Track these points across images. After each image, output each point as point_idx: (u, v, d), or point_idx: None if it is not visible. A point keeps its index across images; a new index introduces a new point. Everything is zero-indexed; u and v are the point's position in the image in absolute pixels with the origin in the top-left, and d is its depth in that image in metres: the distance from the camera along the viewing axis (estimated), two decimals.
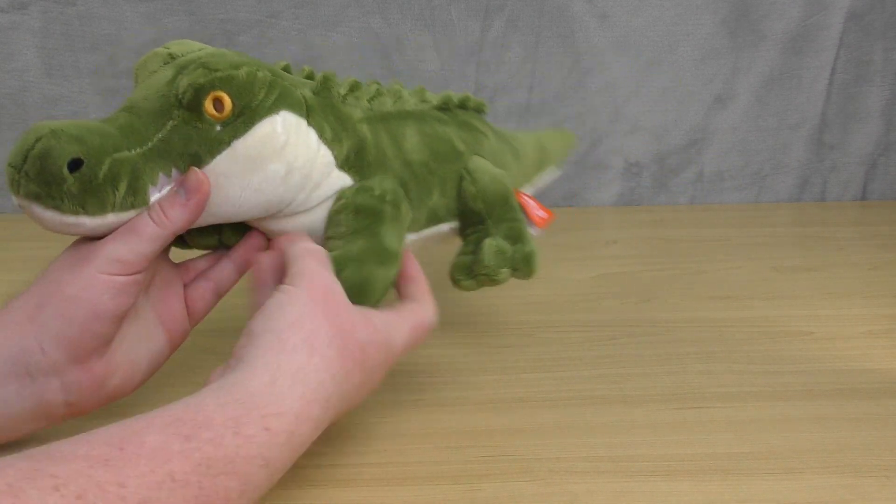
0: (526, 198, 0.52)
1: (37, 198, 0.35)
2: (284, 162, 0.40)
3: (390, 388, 0.48)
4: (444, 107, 0.51)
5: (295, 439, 0.32)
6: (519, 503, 0.38)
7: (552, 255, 0.73)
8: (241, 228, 0.45)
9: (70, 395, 0.37)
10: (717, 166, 0.91)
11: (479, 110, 0.55)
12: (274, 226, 0.43)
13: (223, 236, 0.45)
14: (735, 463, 0.41)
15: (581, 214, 0.88)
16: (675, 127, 0.89)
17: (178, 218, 0.38)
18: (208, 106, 0.37)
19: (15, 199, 0.36)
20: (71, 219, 0.35)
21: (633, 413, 0.46)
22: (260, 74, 0.39)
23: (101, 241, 0.37)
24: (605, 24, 0.85)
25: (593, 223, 0.86)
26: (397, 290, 0.44)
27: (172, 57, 0.40)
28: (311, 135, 0.41)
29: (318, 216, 0.43)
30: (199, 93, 0.37)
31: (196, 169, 0.38)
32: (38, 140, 0.34)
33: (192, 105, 0.37)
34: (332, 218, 0.43)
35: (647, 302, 0.62)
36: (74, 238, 0.38)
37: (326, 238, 0.43)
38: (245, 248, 0.45)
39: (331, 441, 0.42)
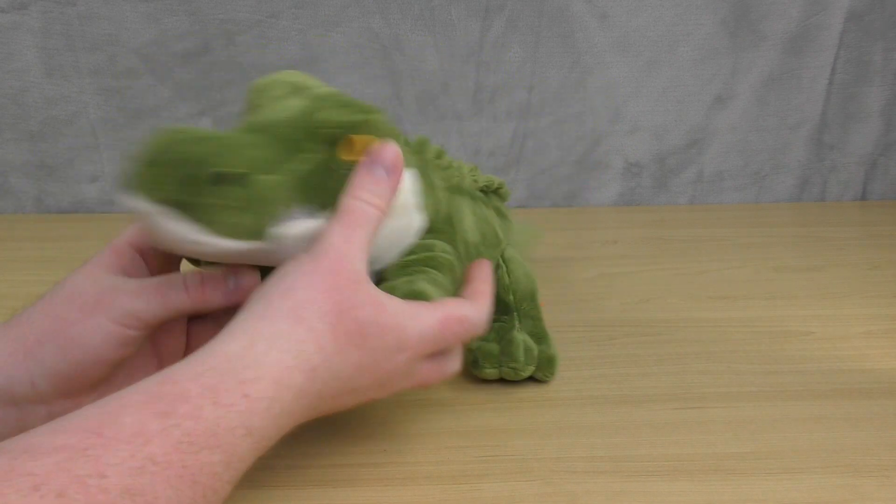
0: None
1: (178, 205, 0.31)
2: (404, 217, 0.39)
3: None
4: (485, 190, 0.53)
5: (276, 406, 0.30)
6: (519, 503, 0.38)
7: (552, 254, 0.73)
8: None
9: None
10: (716, 166, 0.91)
11: (504, 199, 0.57)
12: None
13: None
14: (735, 463, 0.41)
15: (581, 214, 0.88)
16: (675, 127, 0.89)
17: (213, 301, 0.36)
18: (346, 146, 0.35)
19: (132, 202, 0.32)
20: (203, 237, 0.32)
21: (633, 413, 0.46)
22: (396, 130, 0.38)
23: (122, 289, 0.35)
24: (605, 24, 0.85)
25: (593, 223, 0.86)
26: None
27: (297, 87, 0.37)
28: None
29: None
30: (341, 131, 0.35)
31: (257, 274, 0.37)
32: (196, 142, 0.31)
33: (331, 141, 0.35)
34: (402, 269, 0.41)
35: (647, 302, 0.63)
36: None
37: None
38: None
39: (331, 441, 0.42)
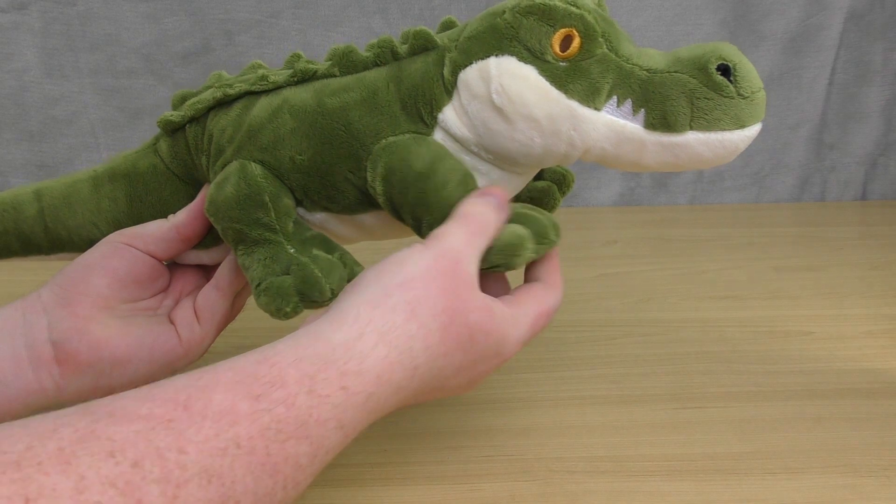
0: None
1: None
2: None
3: None
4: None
5: (372, 402, 0.29)
6: (519, 503, 0.38)
7: None
8: None
9: (53, 333, 0.38)
10: (716, 166, 0.91)
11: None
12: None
13: None
14: (735, 463, 0.41)
15: (581, 214, 0.88)
16: None
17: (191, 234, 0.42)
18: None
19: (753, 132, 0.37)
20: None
21: (633, 413, 0.46)
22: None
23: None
24: None
25: (593, 223, 0.86)
26: (526, 266, 0.39)
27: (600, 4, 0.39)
28: None
29: None
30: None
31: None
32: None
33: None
34: None
35: (647, 302, 0.63)
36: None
37: None
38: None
39: None
